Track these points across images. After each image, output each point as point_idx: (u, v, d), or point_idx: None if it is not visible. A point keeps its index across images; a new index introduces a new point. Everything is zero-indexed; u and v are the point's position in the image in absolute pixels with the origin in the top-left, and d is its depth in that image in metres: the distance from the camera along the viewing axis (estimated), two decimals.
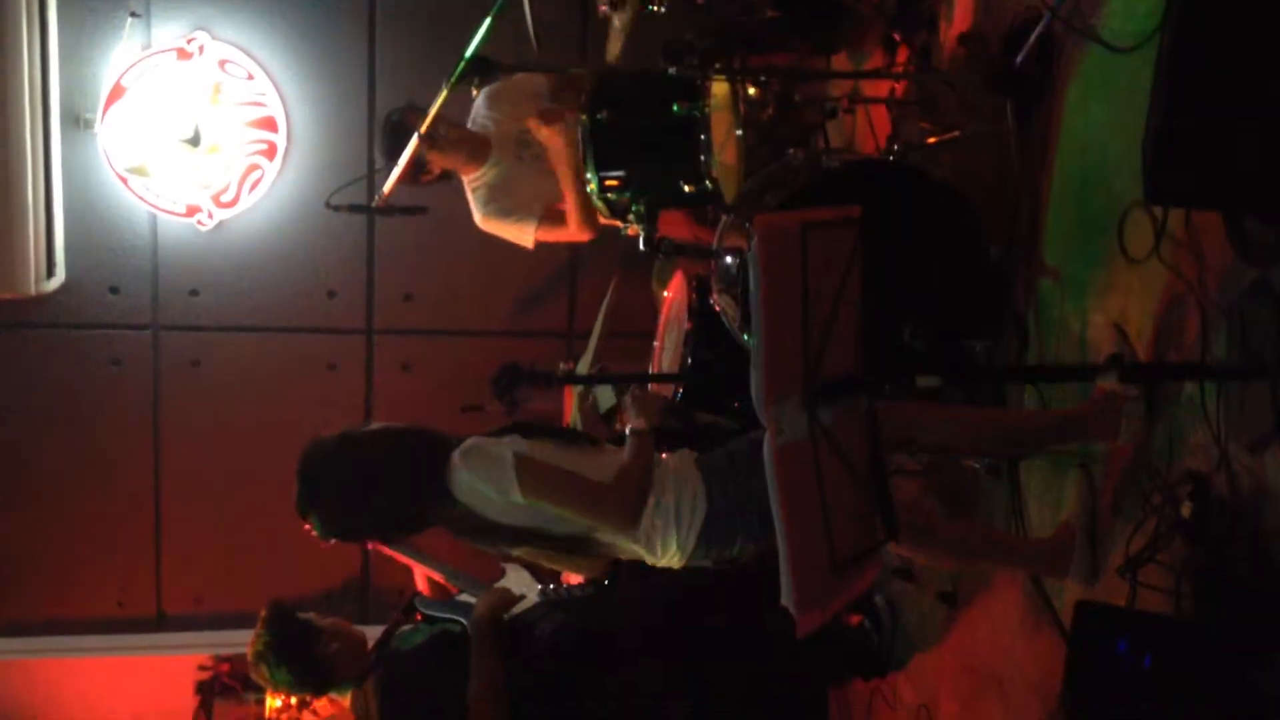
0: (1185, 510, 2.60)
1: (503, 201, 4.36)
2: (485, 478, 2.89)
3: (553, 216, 4.34)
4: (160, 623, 5.86)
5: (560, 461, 2.95)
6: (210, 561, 5.74)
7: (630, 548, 3.01)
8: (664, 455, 3.08)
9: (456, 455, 2.93)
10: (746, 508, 2.90)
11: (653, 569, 3.14)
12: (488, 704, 3.47)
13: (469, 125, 4.42)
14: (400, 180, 3.89)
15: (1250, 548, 2.45)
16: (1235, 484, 2.50)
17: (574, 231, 4.31)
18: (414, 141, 3.80)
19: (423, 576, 4.42)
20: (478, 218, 4.41)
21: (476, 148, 4.32)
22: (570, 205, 4.22)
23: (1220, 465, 2.54)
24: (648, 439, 2.98)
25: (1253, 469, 2.44)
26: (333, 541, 4.79)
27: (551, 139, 4.10)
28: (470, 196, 4.42)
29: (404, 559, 4.67)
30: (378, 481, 3.00)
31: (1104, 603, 2.85)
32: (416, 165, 4.14)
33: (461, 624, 3.75)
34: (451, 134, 4.21)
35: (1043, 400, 3.32)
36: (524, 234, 4.38)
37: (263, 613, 3.68)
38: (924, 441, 3.12)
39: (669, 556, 3.00)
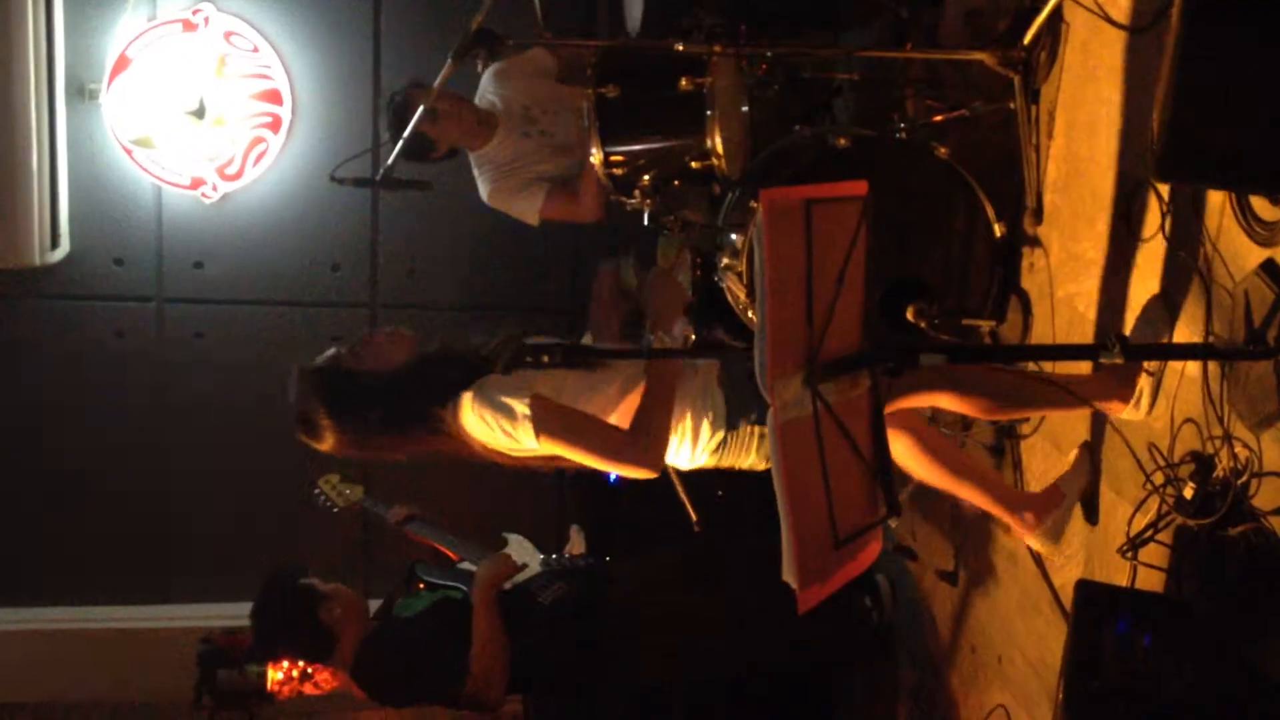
0: (1187, 490, 2.60)
1: (509, 179, 4.36)
2: (496, 424, 2.80)
3: (559, 194, 4.33)
4: (163, 595, 5.89)
5: (577, 393, 2.87)
6: (213, 533, 5.75)
7: None
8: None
9: (467, 397, 2.83)
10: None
11: (653, 548, 3.15)
12: (488, 668, 3.49)
13: (475, 101, 4.41)
14: (406, 157, 3.88)
15: (1252, 528, 2.45)
16: (1237, 464, 2.50)
17: (583, 211, 4.31)
18: (417, 116, 3.80)
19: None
20: (484, 193, 4.40)
21: (480, 122, 4.31)
22: (588, 184, 4.20)
23: (1223, 445, 2.54)
24: (668, 370, 2.84)
25: (1255, 449, 2.44)
26: (335, 509, 4.80)
27: None
28: (476, 172, 4.41)
29: (413, 535, 4.69)
30: (374, 417, 2.93)
31: (1105, 582, 2.86)
32: (424, 143, 4.13)
33: (463, 591, 3.77)
34: (451, 108, 4.20)
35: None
36: (530, 211, 4.37)
37: (265, 577, 3.70)
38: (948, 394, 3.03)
39: (676, 463, 2.99)
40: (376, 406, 2.90)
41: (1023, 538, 3.18)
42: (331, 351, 3.04)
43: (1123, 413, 2.90)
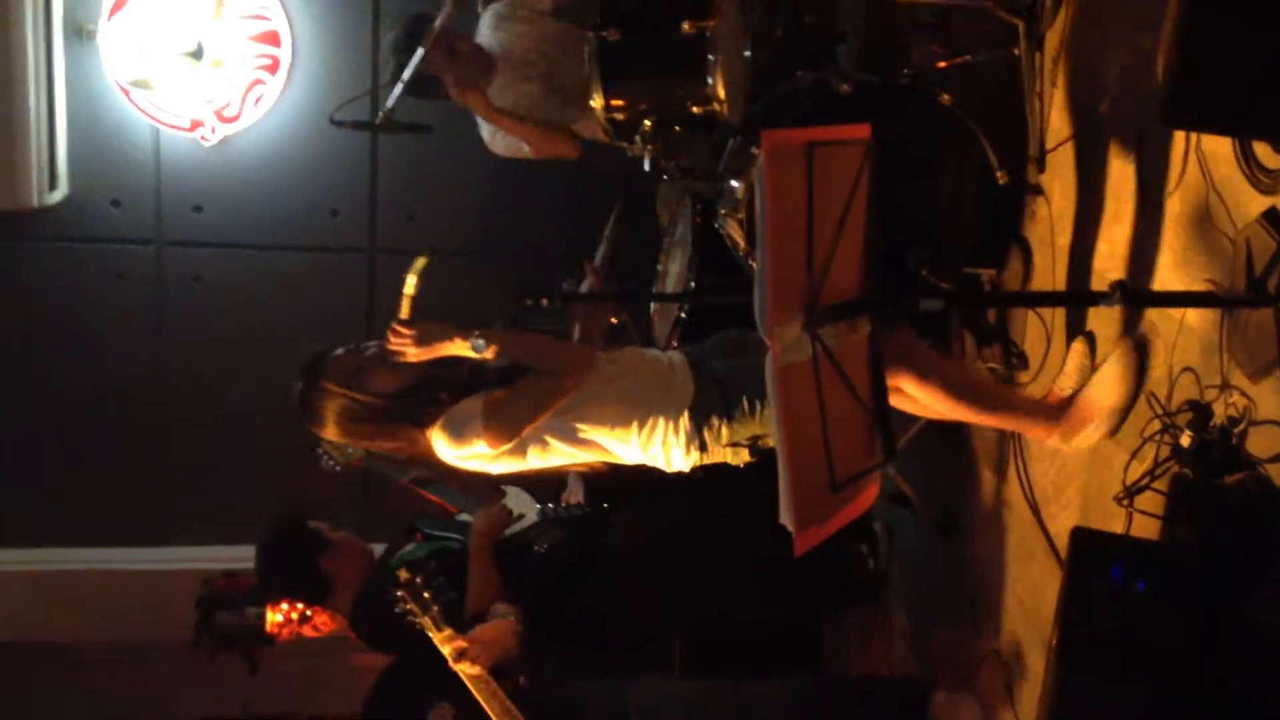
0: (1184, 439, 2.61)
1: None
2: (457, 442, 2.95)
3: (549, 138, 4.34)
4: (163, 537, 5.91)
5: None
6: (212, 476, 5.77)
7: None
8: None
9: (435, 436, 2.97)
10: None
11: (651, 496, 3.18)
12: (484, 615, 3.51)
13: None
14: (407, 91, 3.84)
15: (1248, 476, 2.45)
16: (1235, 412, 2.50)
17: (556, 148, 4.34)
18: (429, 47, 3.76)
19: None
20: (487, 139, 4.38)
21: (489, 65, 4.28)
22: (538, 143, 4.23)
23: (1221, 394, 2.54)
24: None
25: (1253, 397, 2.45)
26: (338, 468, 4.85)
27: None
28: (480, 120, 4.38)
29: (413, 487, 4.71)
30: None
31: (1100, 529, 2.87)
32: (428, 80, 4.08)
33: (460, 541, 3.79)
34: (470, 50, 4.17)
35: (1045, 328, 3.32)
36: (519, 150, 4.37)
37: (275, 516, 3.72)
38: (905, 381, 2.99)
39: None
40: (374, 423, 3.06)
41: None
42: (340, 352, 3.08)
43: (1066, 443, 3.02)
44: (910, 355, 2.92)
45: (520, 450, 3.00)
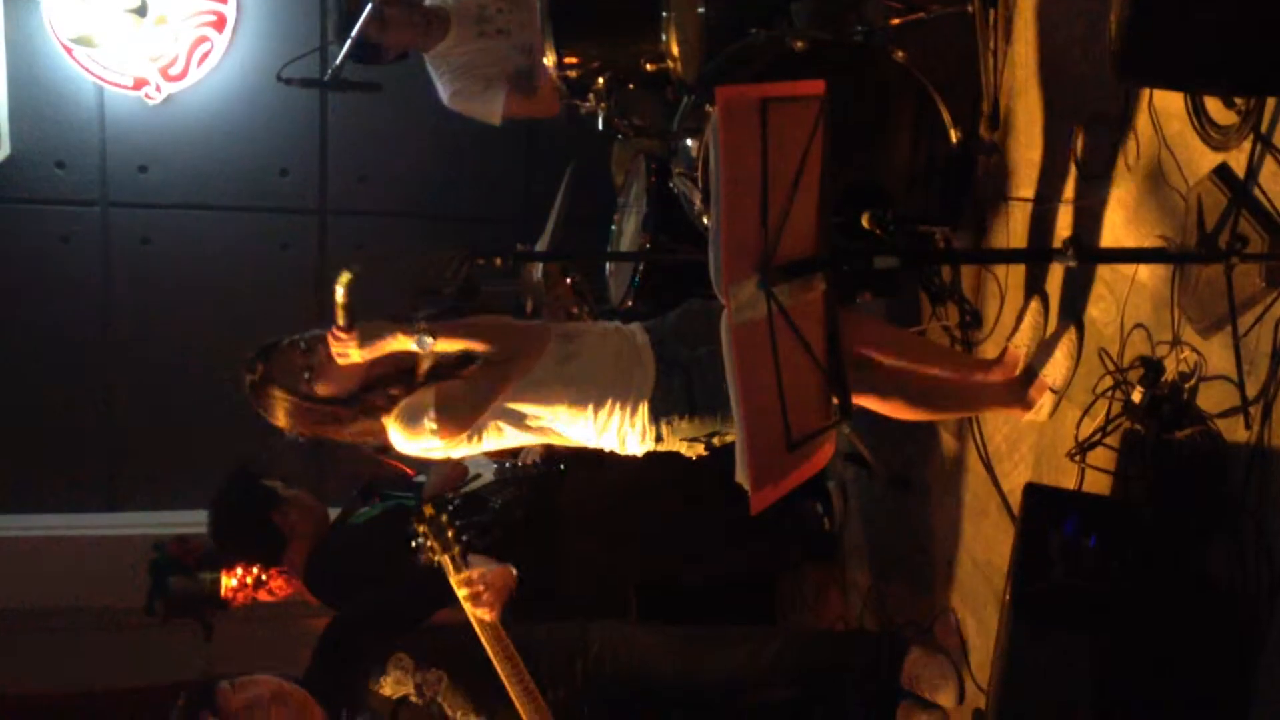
0: (1136, 395, 2.63)
1: (468, 81, 4.28)
2: (411, 431, 2.90)
3: (518, 92, 4.27)
4: (113, 503, 5.85)
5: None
6: (162, 441, 5.71)
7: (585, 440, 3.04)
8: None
9: (390, 428, 2.93)
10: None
11: (607, 455, 3.16)
12: None
13: (427, 1, 4.32)
14: (356, 60, 3.80)
15: (1198, 431, 2.48)
16: (1186, 368, 2.52)
17: (542, 108, 4.26)
18: (363, 21, 3.72)
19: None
20: (444, 96, 4.33)
21: (430, 25, 4.22)
22: (547, 80, 4.16)
23: (1172, 349, 2.56)
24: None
25: (1204, 353, 2.47)
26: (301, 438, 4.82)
27: None
28: (434, 75, 4.34)
29: (368, 451, 4.67)
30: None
31: (1052, 485, 2.90)
32: (373, 48, 4.04)
33: (417, 500, 3.77)
34: (400, 14, 4.11)
35: (1000, 286, 3.33)
36: (491, 112, 4.31)
37: (229, 473, 3.69)
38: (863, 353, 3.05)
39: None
40: (324, 421, 2.99)
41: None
42: (286, 343, 3.00)
43: (1024, 418, 3.07)
44: (870, 375, 2.99)
45: (475, 437, 2.96)
